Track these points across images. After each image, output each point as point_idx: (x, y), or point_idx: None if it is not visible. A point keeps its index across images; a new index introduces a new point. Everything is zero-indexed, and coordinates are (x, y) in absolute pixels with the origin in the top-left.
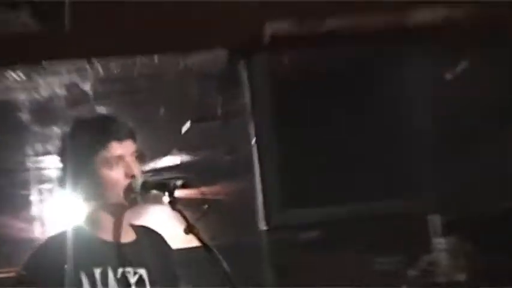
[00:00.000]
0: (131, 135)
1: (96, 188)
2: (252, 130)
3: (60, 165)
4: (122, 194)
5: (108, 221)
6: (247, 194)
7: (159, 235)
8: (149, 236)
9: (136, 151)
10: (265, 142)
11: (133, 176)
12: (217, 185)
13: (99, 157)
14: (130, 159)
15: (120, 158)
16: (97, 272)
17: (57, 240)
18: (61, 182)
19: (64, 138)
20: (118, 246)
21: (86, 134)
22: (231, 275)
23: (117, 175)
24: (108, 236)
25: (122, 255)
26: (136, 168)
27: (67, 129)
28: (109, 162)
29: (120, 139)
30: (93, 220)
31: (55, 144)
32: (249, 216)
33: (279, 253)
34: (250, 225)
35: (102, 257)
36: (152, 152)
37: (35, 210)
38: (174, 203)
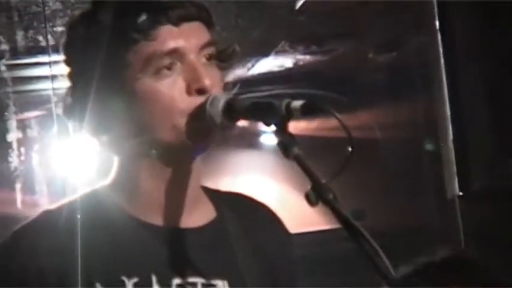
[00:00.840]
0: (200, 14)
1: (132, 117)
2: (433, 5)
3: (66, 74)
4: (183, 126)
5: (156, 184)
6: (424, 128)
7: (266, 209)
8: (244, 213)
9: (213, 43)
10: (464, 32)
11: (203, 91)
12: (366, 109)
13: (135, 54)
14: (198, 59)
15: (178, 55)
16: (129, 284)
17: (56, 219)
18: (68, 108)
19: (74, 23)
20: (176, 234)
21: (110, 9)
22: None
23: (171, 90)
24: (155, 215)
25: (184, 253)
26: (211, 77)
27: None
28: (155, 65)
29: (176, 20)
30: (126, 183)
31: (55, 33)
32: (428, 171)
33: (486, 240)
34: (431, 187)
35: (141, 256)
36: (240, 46)
37: (15, 161)
38: (287, 144)
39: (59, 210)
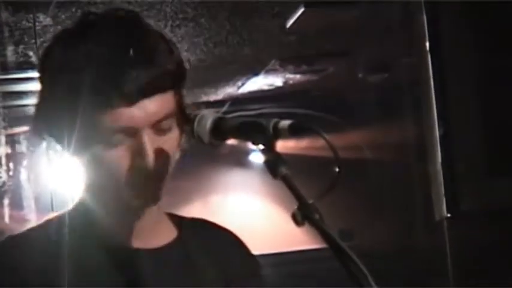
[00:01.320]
0: (165, 82)
1: (95, 165)
2: (424, 26)
3: (39, 95)
4: (126, 195)
5: (114, 207)
6: (413, 149)
7: (229, 234)
8: (206, 237)
9: (174, 113)
10: (454, 53)
11: (145, 169)
12: (355, 130)
13: (91, 124)
14: (150, 134)
15: (129, 131)
16: None
17: (22, 244)
18: (36, 127)
19: (49, 54)
20: (135, 255)
21: (75, 69)
22: None
23: (116, 162)
24: (117, 236)
25: (141, 273)
26: (162, 149)
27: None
28: (106, 139)
29: (131, 99)
30: (91, 205)
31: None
32: (417, 193)
33: (473, 262)
34: (419, 209)
35: (100, 276)
36: (231, 64)
37: (4, 176)
38: (274, 163)
39: (24, 235)
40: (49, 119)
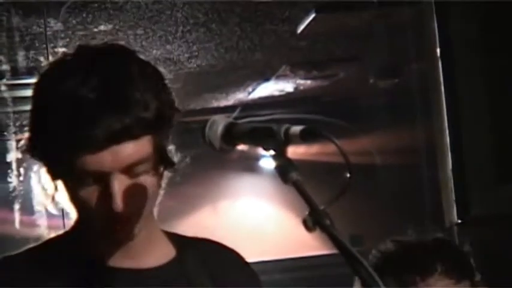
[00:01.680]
0: (137, 129)
1: (73, 197)
2: (435, 32)
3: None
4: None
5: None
6: (423, 155)
7: (234, 254)
8: (208, 256)
9: (149, 157)
10: (465, 58)
11: (114, 212)
12: (365, 135)
13: (72, 160)
14: (121, 179)
15: (100, 175)
16: None
17: (15, 264)
18: (28, 146)
19: (39, 83)
20: (132, 275)
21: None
22: None
23: (89, 199)
24: (113, 257)
25: None
26: (134, 194)
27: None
28: (77, 179)
29: (102, 145)
30: (86, 226)
31: (56, 54)
32: (427, 198)
33: (483, 267)
34: (429, 214)
35: None
36: (241, 69)
37: (14, 182)
38: (285, 169)
39: (19, 256)
40: (36, 142)
